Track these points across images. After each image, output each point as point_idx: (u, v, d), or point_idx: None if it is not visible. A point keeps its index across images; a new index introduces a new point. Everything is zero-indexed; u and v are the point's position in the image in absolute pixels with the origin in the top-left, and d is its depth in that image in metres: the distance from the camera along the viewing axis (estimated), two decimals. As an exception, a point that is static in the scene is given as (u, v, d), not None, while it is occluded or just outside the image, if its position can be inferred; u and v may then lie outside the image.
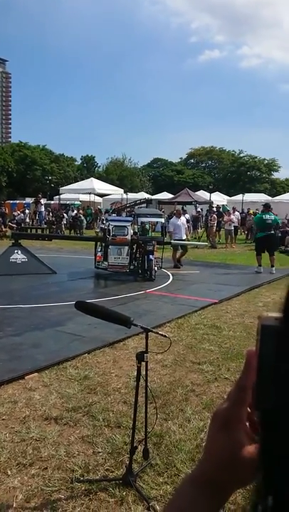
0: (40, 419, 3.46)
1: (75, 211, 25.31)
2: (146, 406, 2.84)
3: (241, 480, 0.49)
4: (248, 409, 0.49)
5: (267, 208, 12.18)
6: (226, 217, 20.01)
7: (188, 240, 13.03)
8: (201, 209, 25.82)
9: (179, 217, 13.04)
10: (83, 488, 2.65)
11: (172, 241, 12.49)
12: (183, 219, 12.94)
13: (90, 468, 2.85)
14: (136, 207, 14.14)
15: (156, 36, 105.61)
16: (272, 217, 11.93)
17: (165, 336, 2.62)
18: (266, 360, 0.45)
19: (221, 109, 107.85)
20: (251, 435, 0.49)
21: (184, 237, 12.51)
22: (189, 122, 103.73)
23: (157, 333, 2.63)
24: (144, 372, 2.70)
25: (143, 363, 2.62)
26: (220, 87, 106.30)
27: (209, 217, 20.20)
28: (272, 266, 11.58)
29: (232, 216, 19.98)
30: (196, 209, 25.43)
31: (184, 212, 25.95)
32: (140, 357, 2.58)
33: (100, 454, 3.02)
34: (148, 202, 15.21)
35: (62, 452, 3.01)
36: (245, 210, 26.54)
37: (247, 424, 0.49)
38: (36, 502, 2.52)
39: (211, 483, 0.49)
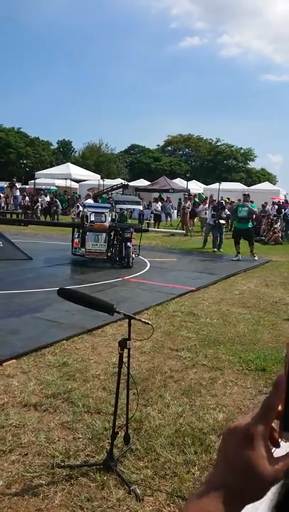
0: (19, 406, 3.44)
1: (48, 196, 24.90)
2: (128, 392, 2.87)
3: (257, 493, 0.51)
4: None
5: (244, 198, 12.36)
6: (201, 206, 20.12)
7: None
8: (180, 198, 25.57)
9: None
10: (64, 473, 2.66)
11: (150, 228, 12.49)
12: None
13: (71, 453, 2.86)
14: (113, 193, 14.05)
15: (136, 20, 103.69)
16: (244, 210, 12.02)
17: (148, 323, 2.63)
18: None
19: (199, 96, 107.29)
20: (271, 452, 0.52)
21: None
22: (167, 109, 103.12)
23: (140, 320, 2.64)
24: (125, 359, 2.71)
25: (125, 350, 2.63)
26: (199, 75, 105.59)
27: (183, 204, 20.32)
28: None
29: (206, 205, 20.10)
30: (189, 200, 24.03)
31: (161, 199, 26.09)
32: (123, 343, 2.59)
33: (81, 439, 3.03)
34: (124, 187, 15.04)
35: (43, 438, 3.01)
36: (222, 199, 26.66)
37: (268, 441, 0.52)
38: (17, 488, 2.52)
39: (230, 491, 0.51)
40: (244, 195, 12.50)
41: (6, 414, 3.28)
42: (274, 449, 0.52)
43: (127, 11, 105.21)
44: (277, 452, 0.52)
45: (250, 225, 12.30)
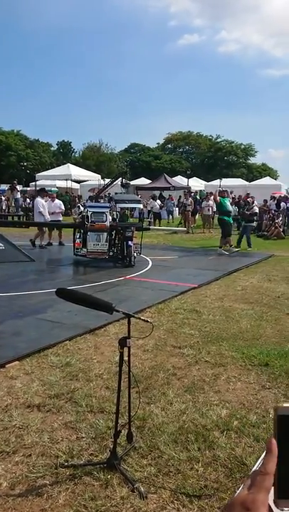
0: (23, 407, 3.45)
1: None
2: (130, 390, 2.86)
3: None
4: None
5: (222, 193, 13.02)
6: (204, 202, 20.09)
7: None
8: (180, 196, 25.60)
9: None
10: (68, 473, 2.67)
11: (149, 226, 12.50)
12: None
13: (74, 453, 2.86)
14: (116, 191, 14.01)
15: (134, 20, 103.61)
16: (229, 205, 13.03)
17: (147, 321, 2.63)
18: (285, 447, 0.50)
19: (198, 93, 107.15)
20: None
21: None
22: (167, 107, 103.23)
23: (139, 318, 2.64)
24: (126, 358, 2.71)
25: (126, 348, 2.63)
26: (198, 72, 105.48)
27: (185, 202, 20.27)
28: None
29: (210, 201, 20.06)
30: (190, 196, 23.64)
31: (162, 198, 26.06)
32: (123, 342, 2.59)
33: (84, 439, 3.04)
34: (124, 174, 14.85)
35: (46, 439, 3.01)
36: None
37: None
38: (21, 489, 2.53)
39: None
40: (222, 191, 13.20)
41: (10, 416, 3.29)
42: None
43: (125, 10, 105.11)
44: None
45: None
